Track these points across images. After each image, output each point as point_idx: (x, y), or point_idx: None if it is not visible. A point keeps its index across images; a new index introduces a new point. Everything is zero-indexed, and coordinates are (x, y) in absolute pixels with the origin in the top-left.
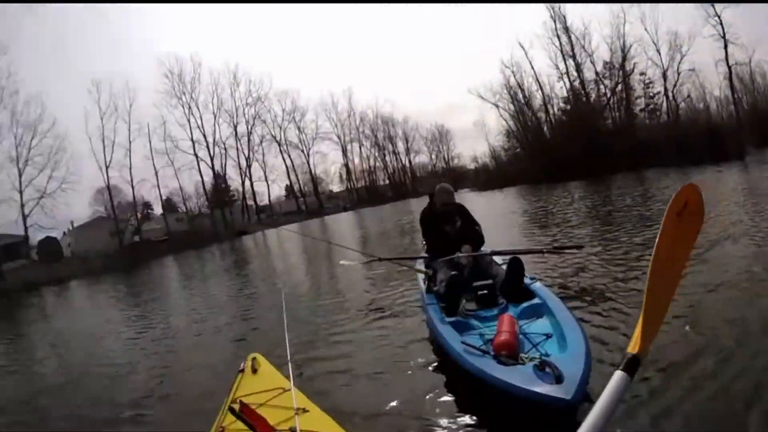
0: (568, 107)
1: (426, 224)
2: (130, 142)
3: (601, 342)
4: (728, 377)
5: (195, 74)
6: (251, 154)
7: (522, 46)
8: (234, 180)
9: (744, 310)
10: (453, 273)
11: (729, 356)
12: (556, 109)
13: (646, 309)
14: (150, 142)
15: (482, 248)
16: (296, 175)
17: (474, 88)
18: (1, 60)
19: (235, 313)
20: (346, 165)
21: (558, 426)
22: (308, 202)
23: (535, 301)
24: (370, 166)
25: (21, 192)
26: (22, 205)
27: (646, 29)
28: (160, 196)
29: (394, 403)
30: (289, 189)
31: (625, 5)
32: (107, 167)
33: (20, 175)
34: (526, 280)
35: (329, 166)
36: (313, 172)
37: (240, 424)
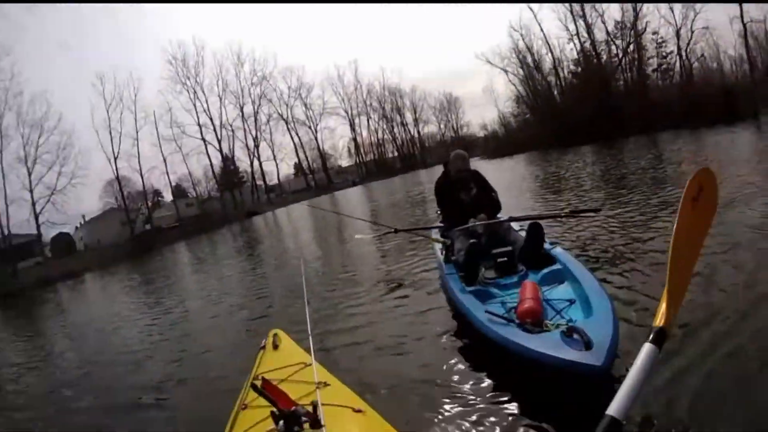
0: (579, 70)
1: (440, 193)
2: (137, 131)
3: (626, 305)
4: (744, 337)
5: (198, 57)
6: (259, 134)
7: (531, 8)
8: (242, 161)
9: (757, 272)
10: (472, 241)
11: (743, 317)
12: (566, 72)
13: (669, 285)
14: (157, 129)
15: (498, 215)
16: (304, 152)
17: (482, 53)
18: (3, 61)
19: (251, 292)
20: (354, 139)
21: (588, 392)
22: (317, 179)
23: (556, 266)
24: (378, 139)
25: (31, 191)
26: (33, 204)
27: None
28: (170, 183)
29: (416, 375)
30: (298, 166)
31: None
32: (115, 158)
33: (29, 174)
34: (546, 246)
35: (337, 141)
36: (321, 148)
37: (263, 400)
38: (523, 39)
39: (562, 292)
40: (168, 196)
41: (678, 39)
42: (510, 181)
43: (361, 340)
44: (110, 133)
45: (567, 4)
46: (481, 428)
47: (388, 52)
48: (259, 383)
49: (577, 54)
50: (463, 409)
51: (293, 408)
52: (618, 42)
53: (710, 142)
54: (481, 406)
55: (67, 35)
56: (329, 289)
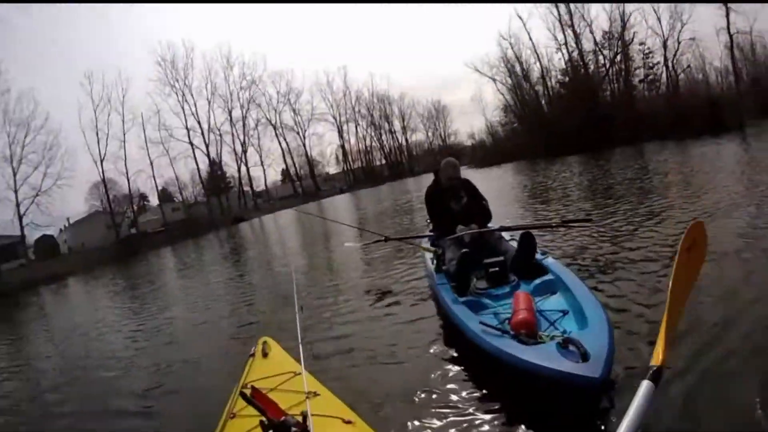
0: (567, 79)
1: (431, 202)
2: (124, 133)
3: (619, 315)
4: (730, 342)
5: (188, 60)
6: (247, 138)
7: (520, 17)
8: (230, 166)
9: (736, 282)
10: (464, 251)
11: (728, 324)
12: (554, 82)
13: (666, 326)
14: (144, 132)
15: (489, 224)
16: (292, 158)
17: (471, 61)
18: None
19: (239, 299)
20: (342, 146)
21: (584, 404)
22: (305, 185)
23: (548, 276)
24: (366, 146)
25: (16, 191)
26: (18, 205)
27: None
28: (156, 187)
29: (407, 386)
30: (285, 173)
31: None
32: (102, 160)
33: (14, 174)
34: (538, 256)
35: (325, 147)
36: (309, 154)
37: (251, 409)
38: (512, 48)
39: (555, 302)
40: (154, 200)
41: (665, 50)
42: (498, 190)
43: (351, 349)
44: (97, 134)
45: (556, 14)
46: None
47: (377, 57)
48: (248, 392)
49: (565, 64)
50: (457, 421)
51: (283, 418)
52: (605, 52)
53: (696, 153)
54: (475, 418)
55: (56, 33)
56: (318, 297)
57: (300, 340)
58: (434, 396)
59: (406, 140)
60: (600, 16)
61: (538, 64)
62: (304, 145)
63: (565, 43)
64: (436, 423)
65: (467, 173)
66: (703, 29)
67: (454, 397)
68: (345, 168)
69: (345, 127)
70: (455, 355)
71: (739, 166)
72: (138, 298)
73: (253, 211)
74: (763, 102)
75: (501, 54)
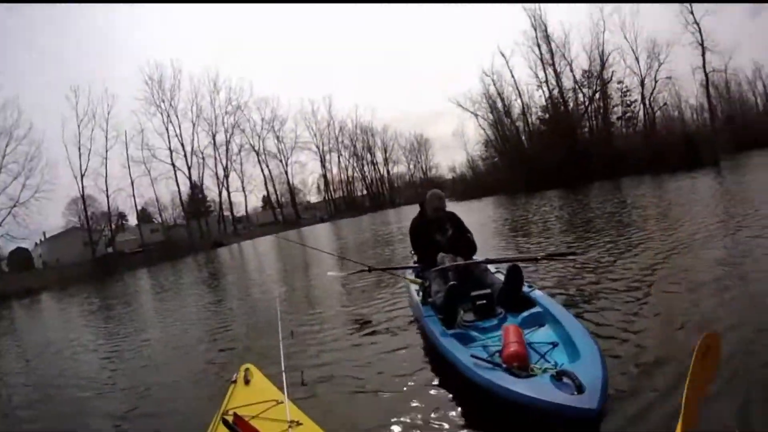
0: (547, 116)
1: (416, 234)
2: (106, 150)
3: (608, 345)
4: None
5: (175, 81)
6: (229, 163)
7: (503, 54)
8: (211, 190)
9: (713, 310)
10: (452, 284)
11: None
12: (534, 118)
13: (683, 422)
14: (127, 150)
15: (474, 256)
16: (274, 186)
17: (454, 96)
18: None
19: (219, 324)
20: (324, 175)
21: None
22: (285, 213)
23: (536, 309)
24: (348, 177)
25: None
26: None
27: (625, 37)
28: (135, 207)
29: (394, 418)
30: (266, 199)
31: (606, 13)
32: (82, 176)
33: None
34: (525, 288)
35: (307, 176)
36: (291, 182)
37: None
38: (494, 84)
39: (544, 335)
40: (133, 220)
41: (642, 88)
42: (480, 223)
43: (336, 378)
44: (79, 149)
45: (538, 53)
46: None
47: (363, 88)
48: (230, 418)
49: (546, 101)
50: None
51: None
52: (585, 90)
53: (672, 187)
54: None
55: (46, 39)
56: (301, 324)
57: (283, 368)
58: (422, 429)
59: (388, 172)
60: (580, 56)
61: (519, 100)
62: (286, 173)
63: (546, 81)
64: None
65: (448, 205)
66: (679, 68)
67: (443, 430)
68: (326, 197)
69: (328, 157)
70: (444, 387)
71: (713, 199)
72: (114, 319)
73: (232, 236)
74: (737, 138)
75: (483, 90)
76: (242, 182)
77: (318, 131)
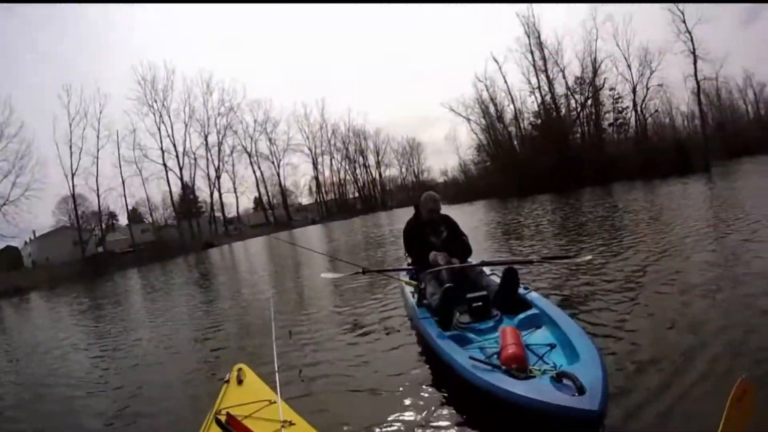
0: (539, 122)
1: (410, 236)
2: (98, 149)
3: (604, 343)
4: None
5: (168, 81)
6: (221, 164)
7: (496, 60)
8: (203, 191)
9: (704, 312)
10: (447, 285)
11: (691, 357)
12: (526, 124)
13: None
14: (119, 149)
15: (469, 259)
16: (266, 187)
17: (446, 101)
18: None
19: (211, 324)
20: (316, 177)
21: None
22: (277, 215)
23: (532, 311)
24: (340, 179)
25: None
26: None
27: (618, 45)
28: (126, 206)
29: (389, 419)
30: (258, 201)
31: (598, 20)
32: (73, 175)
33: None
34: (520, 290)
35: (299, 178)
36: (282, 184)
37: None
38: (487, 90)
39: (541, 336)
40: (123, 220)
41: (634, 95)
42: (472, 226)
43: (329, 378)
44: (70, 147)
45: (531, 59)
46: None
47: (356, 91)
48: (223, 418)
49: (538, 107)
50: None
51: None
52: (577, 96)
53: (663, 192)
54: None
55: (39, 35)
56: (295, 324)
57: (276, 368)
58: (420, 429)
59: (380, 175)
60: (573, 63)
61: (511, 106)
62: (278, 175)
63: (539, 87)
64: None
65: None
66: (671, 76)
67: (441, 431)
68: (318, 199)
69: (320, 159)
70: (440, 387)
71: (704, 204)
72: (104, 318)
73: (223, 237)
74: (728, 145)
75: (476, 95)
76: (234, 183)
77: (311, 134)
